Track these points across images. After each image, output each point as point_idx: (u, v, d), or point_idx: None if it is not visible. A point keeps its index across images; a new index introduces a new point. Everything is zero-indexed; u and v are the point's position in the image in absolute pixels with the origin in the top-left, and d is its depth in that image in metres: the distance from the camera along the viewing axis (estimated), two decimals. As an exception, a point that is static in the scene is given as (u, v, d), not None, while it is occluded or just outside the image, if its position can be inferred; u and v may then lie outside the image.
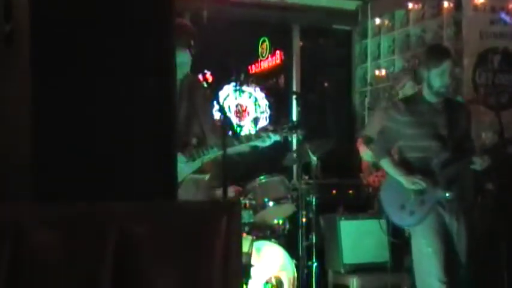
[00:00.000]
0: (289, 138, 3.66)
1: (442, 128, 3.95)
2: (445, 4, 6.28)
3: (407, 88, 5.35)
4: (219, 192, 4.41)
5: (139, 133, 2.07)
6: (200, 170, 3.53)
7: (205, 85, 6.56)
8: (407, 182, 3.96)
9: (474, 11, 6.17)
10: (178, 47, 3.38)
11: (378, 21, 7.11)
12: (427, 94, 3.99)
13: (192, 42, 3.56)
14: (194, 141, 3.50)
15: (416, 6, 6.64)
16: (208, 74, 6.66)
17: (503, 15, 6.23)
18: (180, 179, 3.39)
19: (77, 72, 1.98)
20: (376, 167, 5.45)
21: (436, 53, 4.10)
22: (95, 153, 1.92)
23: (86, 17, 1.99)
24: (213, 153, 3.46)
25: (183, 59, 3.50)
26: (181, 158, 3.36)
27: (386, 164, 4.13)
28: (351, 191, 6.17)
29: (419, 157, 3.97)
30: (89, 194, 1.80)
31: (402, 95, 5.39)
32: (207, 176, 3.61)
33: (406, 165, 4.01)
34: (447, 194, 3.88)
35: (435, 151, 3.92)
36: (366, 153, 5.52)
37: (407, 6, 6.72)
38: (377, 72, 7.01)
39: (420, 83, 4.04)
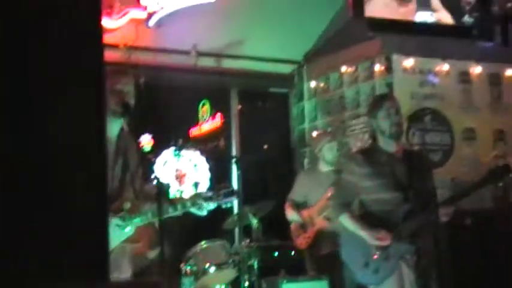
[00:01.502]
0: (224, 206, 3.64)
1: (403, 177, 3.92)
2: (377, 67, 6.50)
3: (326, 150, 5.52)
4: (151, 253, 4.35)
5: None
6: (132, 239, 3.46)
7: (148, 149, 6.63)
8: (371, 238, 3.85)
9: (404, 73, 6.42)
10: (111, 111, 3.40)
11: (313, 83, 7.29)
12: (383, 143, 4.00)
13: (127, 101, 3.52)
14: (127, 205, 3.42)
15: (349, 69, 6.86)
16: (149, 138, 6.65)
17: (431, 77, 6.49)
18: (111, 246, 3.33)
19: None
20: (304, 228, 5.55)
21: (376, 98, 4.34)
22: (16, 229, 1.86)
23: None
24: (147, 220, 3.39)
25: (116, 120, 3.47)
26: (113, 223, 3.29)
27: (346, 220, 4.01)
28: (293, 252, 6.17)
29: (380, 210, 3.92)
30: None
31: (322, 157, 5.56)
32: (137, 244, 3.55)
33: (368, 220, 3.92)
34: (411, 248, 3.83)
35: (397, 203, 3.88)
36: (292, 216, 5.64)
37: (341, 69, 6.93)
38: (314, 134, 7.14)
39: (375, 137, 4.05)
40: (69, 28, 2.05)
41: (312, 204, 5.59)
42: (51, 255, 1.91)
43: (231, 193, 3.61)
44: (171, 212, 3.45)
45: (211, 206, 3.55)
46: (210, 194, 3.56)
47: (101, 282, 1.87)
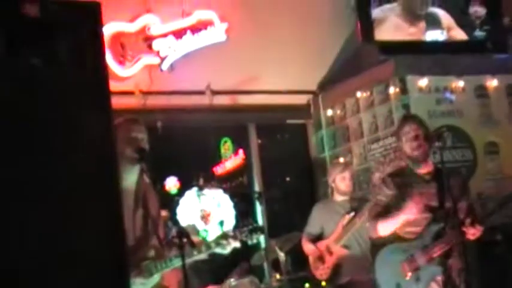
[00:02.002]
0: (249, 243, 3.62)
1: (432, 198, 3.94)
2: (392, 90, 6.49)
3: (338, 181, 5.53)
4: None
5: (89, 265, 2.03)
6: (161, 284, 3.46)
7: (175, 191, 6.68)
8: (411, 211, 3.84)
9: (420, 93, 6.39)
10: (127, 159, 3.41)
11: (330, 112, 7.30)
12: (411, 165, 4.05)
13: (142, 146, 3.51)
14: (152, 253, 3.42)
15: (365, 94, 6.85)
16: (175, 180, 6.69)
17: (447, 95, 6.46)
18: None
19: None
20: (322, 260, 5.52)
21: (401, 120, 4.29)
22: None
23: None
24: (173, 266, 3.37)
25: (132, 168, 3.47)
26: (138, 281, 3.28)
27: (382, 226, 4.02)
28: (323, 283, 6.11)
29: (410, 231, 3.94)
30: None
31: (336, 188, 5.57)
32: None
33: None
34: (439, 269, 3.82)
35: (426, 224, 3.89)
36: (309, 249, 5.62)
37: (356, 95, 6.93)
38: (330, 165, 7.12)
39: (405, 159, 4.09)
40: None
41: (328, 234, 5.57)
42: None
43: (256, 230, 3.59)
44: (196, 255, 3.44)
45: (237, 244, 3.54)
46: (234, 233, 3.54)
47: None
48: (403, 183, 4.01)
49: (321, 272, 5.52)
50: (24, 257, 1.90)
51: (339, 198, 5.64)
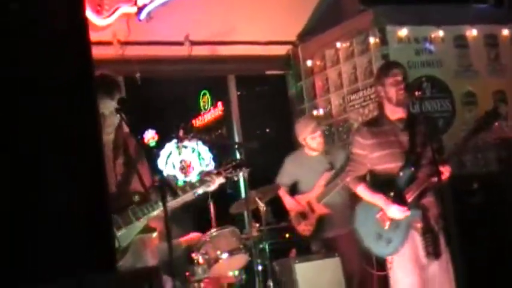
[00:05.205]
0: (235, 179, 3.62)
1: (407, 145, 3.96)
2: (372, 40, 6.47)
3: (309, 140, 5.56)
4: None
5: (71, 209, 2.04)
6: (149, 228, 3.47)
7: (153, 144, 6.67)
8: (387, 206, 3.90)
9: (399, 43, 6.38)
10: (103, 97, 3.37)
11: (309, 62, 7.27)
12: (389, 112, 4.05)
13: (118, 92, 3.47)
14: (136, 198, 3.42)
15: (344, 44, 6.82)
16: (153, 133, 6.67)
17: (427, 45, 6.46)
18: (126, 242, 3.35)
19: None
20: (303, 216, 5.58)
21: (385, 65, 4.33)
22: (22, 232, 1.89)
23: None
24: (159, 208, 3.36)
25: (110, 109, 3.42)
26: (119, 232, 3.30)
27: (362, 191, 4.11)
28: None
29: (386, 179, 3.98)
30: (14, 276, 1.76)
31: (306, 145, 5.59)
32: (154, 234, 3.56)
33: (379, 189, 3.99)
34: (416, 212, 3.87)
35: (399, 170, 3.92)
36: (290, 205, 5.70)
37: (336, 45, 6.90)
38: (315, 112, 7.13)
39: (382, 105, 4.09)
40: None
41: (306, 189, 5.63)
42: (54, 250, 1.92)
43: (239, 165, 3.59)
44: (181, 196, 3.43)
45: (219, 181, 3.54)
46: (217, 169, 3.55)
47: (103, 272, 1.89)
48: (379, 131, 4.03)
49: (304, 228, 5.61)
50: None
51: (311, 153, 5.68)
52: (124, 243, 3.35)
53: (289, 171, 5.77)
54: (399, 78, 3.99)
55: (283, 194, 5.76)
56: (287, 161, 5.85)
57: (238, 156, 5.33)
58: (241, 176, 3.64)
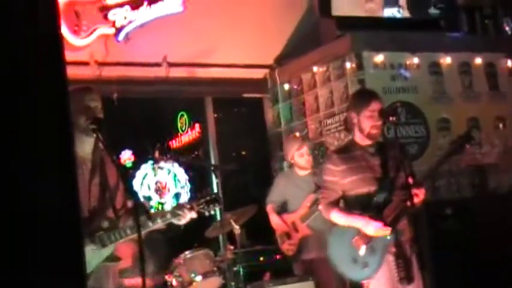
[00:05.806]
0: (207, 214, 3.62)
1: (378, 169, 3.96)
2: (348, 65, 6.54)
3: (297, 157, 5.61)
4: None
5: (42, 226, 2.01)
6: (113, 257, 3.42)
7: (130, 165, 6.63)
8: (365, 225, 3.85)
9: (375, 69, 6.46)
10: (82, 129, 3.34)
11: (286, 86, 7.32)
12: (359, 139, 4.05)
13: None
14: (106, 224, 3.36)
15: (321, 69, 6.89)
16: (130, 154, 6.65)
17: (402, 71, 6.54)
18: (90, 268, 3.27)
19: None
20: (288, 235, 5.60)
21: (363, 94, 4.27)
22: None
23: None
24: (127, 236, 3.33)
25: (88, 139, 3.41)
26: (89, 247, 3.23)
27: (337, 216, 4.03)
28: (278, 256, 6.19)
29: (359, 204, 3.95)
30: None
31: (295, 164, 5.63)
32: (118, 263, 3.52)
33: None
34: (392, 236, 3.83)
35: (374, 194, 3.91)
36: (277, 224, 5.72)
37: (313, 69, 6.96)
38: (285, 141, 7.16)
39: (351, 130, 4.10)
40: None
41: (293, 209, 5.64)
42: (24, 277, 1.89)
43: (213, 201, 3.58)
44: (151, 226, 3.41)
45: (193, 215, 3.53)
46: (190, 204, 3.53)
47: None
48: (349, 157, 4.03)
49: (287, 247, 5.63)
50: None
51: (301, 172, 5.71)
52: (88, 269, 3.30)
53: (280, 189, 5.79)
54: (377, 114, 3.96)
55: (271, 212, 5.74)
56: (278, 179, 5.89)
57: (214, 179, 5.32)
58: (213, 212, 3.62)
